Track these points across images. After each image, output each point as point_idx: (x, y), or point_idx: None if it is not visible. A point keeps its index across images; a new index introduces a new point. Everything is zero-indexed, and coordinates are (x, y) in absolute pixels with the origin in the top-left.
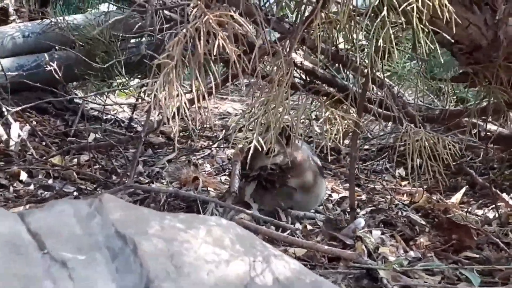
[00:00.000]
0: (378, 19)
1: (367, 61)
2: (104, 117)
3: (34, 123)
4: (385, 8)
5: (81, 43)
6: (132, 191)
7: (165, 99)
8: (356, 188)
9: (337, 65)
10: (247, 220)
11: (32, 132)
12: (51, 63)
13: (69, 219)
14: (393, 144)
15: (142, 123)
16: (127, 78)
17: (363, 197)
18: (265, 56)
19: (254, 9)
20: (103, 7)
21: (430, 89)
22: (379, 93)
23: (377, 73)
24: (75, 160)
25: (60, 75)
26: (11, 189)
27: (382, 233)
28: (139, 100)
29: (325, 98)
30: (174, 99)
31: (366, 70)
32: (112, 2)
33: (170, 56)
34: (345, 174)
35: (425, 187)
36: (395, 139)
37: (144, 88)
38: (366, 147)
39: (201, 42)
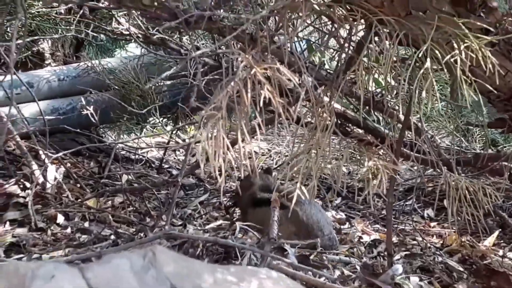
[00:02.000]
0: (422, 71)
1: (399, 107)
2: (135, 157)
3: (68, 164)
4: (428, 59)
5: (116, 86)
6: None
7: (213, 152)
8: (385, 228)
9: (367, 107)
10: (284, 266)
11: (67, 174)
12: (87, 106)
13: (126, 273)
14: (422, 186)
15: (172, 163)
16: (161, 121)
17: (395, 239)
18: (306, 104)
19: (297, 60)
20: (133, 49)
21: (457, 130)
22: (411, 136)
23: (414, 119)
24: (109, 202)
25: (96, 118)
26: (49, 232)
27: (420, 280)
28: (170, 143)
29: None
30: (220, 150)
31: (402, 116)
32: (144, 46)
33: (217, 107)
34: (374, 214)
35: (454, 229)
36: (422, 180)
37: (175, 131)
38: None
39: (248, 95)
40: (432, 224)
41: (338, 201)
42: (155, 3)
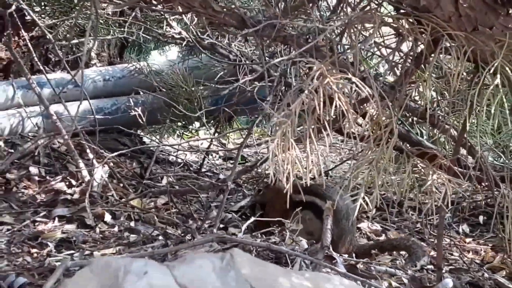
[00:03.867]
0: (490, 88)
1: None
2: (175, 160)
3: (111, 164)
4: (498, 76)
5: (163, 89)
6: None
7: (283, 160)
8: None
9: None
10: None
11: (110, 174)
12: (135, 108)
13: (209, 273)
14: (464, 202)
15: (205, 166)
16: (207, 126)
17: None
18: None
19: (367, 73)
20: (170, 53)
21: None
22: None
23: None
24: (152, 203)
25: (143, 119)
26: (97, 230)
27: None
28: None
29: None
30: (290, 156)
31: (454, 131)
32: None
33: (286, 114)
34: (409, 227)
35: (491, 245)
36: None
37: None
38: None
39: (321, 104)
40: (468, 239)
41: (372, 212)
42: (225, 10)
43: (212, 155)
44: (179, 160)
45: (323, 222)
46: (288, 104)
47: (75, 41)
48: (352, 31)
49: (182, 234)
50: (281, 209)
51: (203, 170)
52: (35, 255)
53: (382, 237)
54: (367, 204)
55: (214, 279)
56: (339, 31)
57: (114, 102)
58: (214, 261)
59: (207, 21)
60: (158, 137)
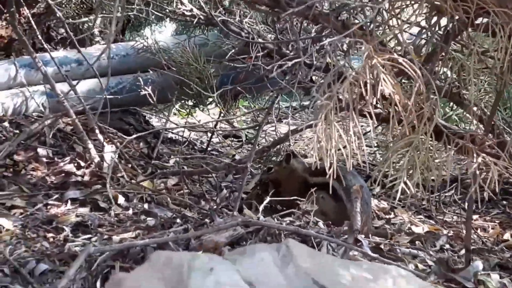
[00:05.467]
0: None
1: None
2: (176, 138)
3: (118, 144)
4: None
5: (173, 67)
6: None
7: (327, 140)
8: (429, 219)
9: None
10: (359, 256)
11: (119, 155)
12: (145, 87)
13: (271, 268)
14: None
15: (210, 143)
16: (220, 105)
17: (445, 231)
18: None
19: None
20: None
21: None
22: None
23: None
24: (163, 184)
25: (154, 98)
26: (112, 213)
27: (501, 277)
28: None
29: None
30: (332, 140)
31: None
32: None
33: (329, 97)
34: (415, 205)
35: (498, 221)
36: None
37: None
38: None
39: (368, 86)
40: (474, 216)
41: (377, 190)
42: None
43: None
44: (183, 139)
45: (348, 204)
46: (328, 85)
47: (85, 19)
48: (391, 7)
49: (201, 217)
50: (295, 189)
51: (200, 147)
52: (52, 239)
53: (391, 215)
54: (408, 188)
55: (277, 274)
56: (375, 8)
57: (118, 80)
58: (273, 253)
59: None
60: (163, 115)
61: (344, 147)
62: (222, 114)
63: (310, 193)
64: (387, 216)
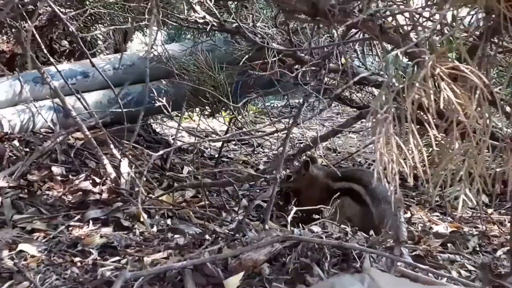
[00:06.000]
0: None
1: None
2: (185, 147)
3: (130, 157)
4: None
5: (186, 76)
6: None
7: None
8: (445, 216)
9: None
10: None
11: (130, 167)
12: (158, 98)
13: None
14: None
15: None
16: (234, 111)
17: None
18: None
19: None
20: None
21: None
22: None
23: None
24: (181, 197)
25: (169, 109)
26: (137, 231)
27: None
28: (229, 133)
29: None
30: (392, 152)
31: None
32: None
33: (386, 108)
34: (429, 202)
35: None
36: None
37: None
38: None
39: (431, 96)
40: (489, 210)
41: None
42: None
43: (212, 136)
44: (190, 147)
45: (373, 208)
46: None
47: (96, 32)
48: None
49: (231, 232)
50: (317, 196)
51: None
52: (79, 264)
53: (408, 214)
54: (470, 200)
55: None
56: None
57: (126, 91)
58: (358, 285)
59: (277, 8)
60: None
61: (405, 159)
62: (233, 121)
63: (333, 198)
64: (406, 216)
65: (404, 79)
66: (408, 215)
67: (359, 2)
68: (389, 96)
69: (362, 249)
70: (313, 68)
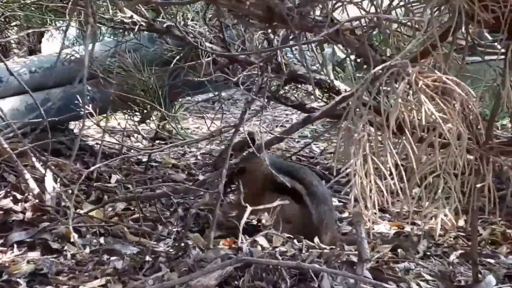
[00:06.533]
0: None
1: None
2: (109, 152)
3: (52, 167)
4: None
5: (111, 80)
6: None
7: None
8: (382, 212)
9: None
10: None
11: (55, 179)
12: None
13: None
14: None
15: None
16: (172, 114)
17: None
18: None
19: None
20: None
21: None
22: None
23: None
24: (110, 209)
25: (96, 113)
26: (68, 254)
27: None
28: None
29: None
30: (370, 176)
31: None
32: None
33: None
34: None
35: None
36: None
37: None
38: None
39: (411, 113)
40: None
41: None
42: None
43: (134, 136)
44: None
45: (314, 211)
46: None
47: (14, 36)
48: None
49: (172, 250)
50: (260, 184)
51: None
52: None
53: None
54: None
55: None
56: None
57: (45, 96)
58: None
59: (229, 13)
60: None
61: (385, 179)
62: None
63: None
64: (343, 215)
65: (377, 93)
66: (346, 214)
67: (316, 4)
68: (363, 112)
69: (322, 270)
70: (254, 72)
